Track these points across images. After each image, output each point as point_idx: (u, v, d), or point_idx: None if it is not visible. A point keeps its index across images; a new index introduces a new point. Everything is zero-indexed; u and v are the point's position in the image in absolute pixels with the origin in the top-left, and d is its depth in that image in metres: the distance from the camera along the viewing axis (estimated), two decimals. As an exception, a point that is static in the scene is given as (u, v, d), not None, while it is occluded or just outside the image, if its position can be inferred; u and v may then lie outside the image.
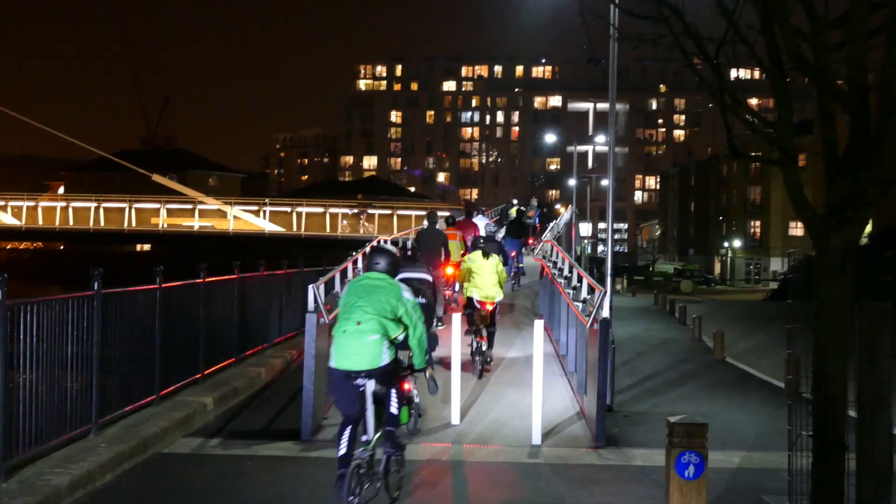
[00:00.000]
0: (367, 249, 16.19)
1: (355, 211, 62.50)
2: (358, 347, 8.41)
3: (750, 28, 7.70)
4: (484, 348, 16.80)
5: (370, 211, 61.60)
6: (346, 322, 8.55)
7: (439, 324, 19.32)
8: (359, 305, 8.59)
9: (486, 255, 17.23)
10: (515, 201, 45.73)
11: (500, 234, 32.92)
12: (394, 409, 8.71)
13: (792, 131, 7.67)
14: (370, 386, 8.50)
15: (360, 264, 17.49)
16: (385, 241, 20.11)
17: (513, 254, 29.63)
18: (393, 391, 8.72)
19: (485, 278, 16.98)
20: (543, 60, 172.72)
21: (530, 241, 37.64)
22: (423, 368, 9.24)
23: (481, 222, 29.29)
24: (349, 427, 8.51)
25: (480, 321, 16.82)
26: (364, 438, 8.52)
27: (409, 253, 16.56)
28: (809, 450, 7.89)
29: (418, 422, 12.02)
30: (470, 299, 17.06)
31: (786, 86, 7.68)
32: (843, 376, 7.50)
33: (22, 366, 9.25)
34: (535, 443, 11.89)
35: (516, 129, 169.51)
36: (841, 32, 7.64)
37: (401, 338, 8.72)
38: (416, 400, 10.99)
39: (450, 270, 21.07)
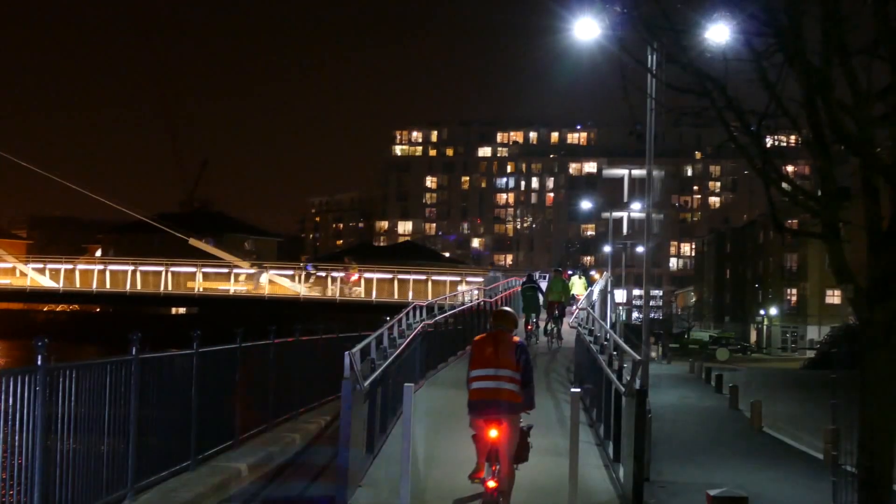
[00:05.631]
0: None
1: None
2: (533, 304, 29.98)
3: (792, 101, 7.69)
4: (555, 327, 30.62)
5: (402, 276, 61.51)
6: (527, 298, 30.12)
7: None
8: (530, 293, 29.93)
9: (558, 279, 32.23)
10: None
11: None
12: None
13: (836, 205, 7.62)
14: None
15: (395, 331, 18.44)
16: (421, 309, 22.29)
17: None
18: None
19: (555, 290, 31.02)
20: (579, 127, 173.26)
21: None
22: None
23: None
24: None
25: (551, 311, 30.69)
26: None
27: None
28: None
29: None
30: (549, 302, 31.11)
31: (829, 159, 7.63)
32: (890, 451, 7.37)
33: (60, 430, 9.26)
34: (571, 514, 11.71)
35: (551, 194, 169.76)
36: (884, 105, 7.61)
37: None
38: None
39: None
